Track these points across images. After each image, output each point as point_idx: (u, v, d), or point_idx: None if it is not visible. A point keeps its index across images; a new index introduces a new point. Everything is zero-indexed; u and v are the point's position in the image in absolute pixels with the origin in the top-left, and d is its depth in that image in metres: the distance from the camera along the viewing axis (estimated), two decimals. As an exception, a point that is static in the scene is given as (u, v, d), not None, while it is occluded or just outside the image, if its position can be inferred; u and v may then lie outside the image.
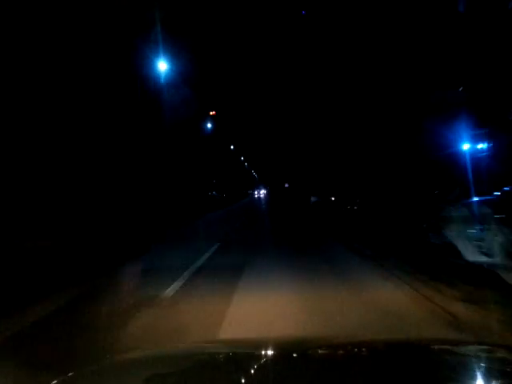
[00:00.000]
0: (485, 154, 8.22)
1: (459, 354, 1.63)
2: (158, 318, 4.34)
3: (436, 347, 1.74)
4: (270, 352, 1.73)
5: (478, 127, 9.85)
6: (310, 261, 7.55)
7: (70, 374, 1.41)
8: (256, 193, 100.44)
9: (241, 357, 1.68)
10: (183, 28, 23.60)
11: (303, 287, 5.45)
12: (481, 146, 8.77)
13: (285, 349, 1.75)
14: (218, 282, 5.95)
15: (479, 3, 11.02)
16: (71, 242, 10.22)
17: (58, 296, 5.22)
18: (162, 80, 21.20)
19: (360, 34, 18.64)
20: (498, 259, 4.99)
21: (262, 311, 4.48)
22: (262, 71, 62.32)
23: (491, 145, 8.17)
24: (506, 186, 5.63)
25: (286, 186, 59.03)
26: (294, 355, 1.67)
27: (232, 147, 63.25)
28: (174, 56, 21.55)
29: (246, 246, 9.97)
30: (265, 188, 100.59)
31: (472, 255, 5.51)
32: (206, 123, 39.53)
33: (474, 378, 1.38)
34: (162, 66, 20.59)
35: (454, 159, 9.50)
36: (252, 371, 1.47)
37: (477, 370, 1.44)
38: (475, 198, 6.16)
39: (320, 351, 1.72)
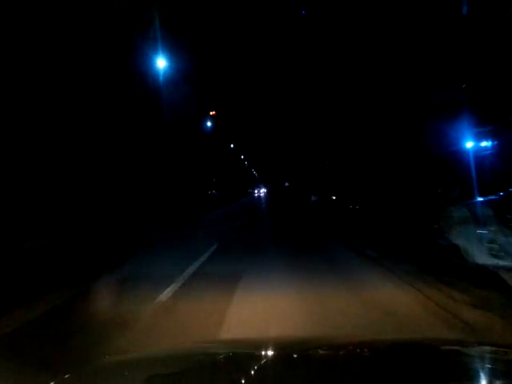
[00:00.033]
0: (489, 151, 8.12)
1: (460, 353, 1.63)
2: (129, 345, 3.50)
3: (436, 347, 1.73)
4: (270, 352, 1.72)
5: (481, 125, 9.75)
6: (310, 260, 7.54)
7: (67, 375, 1.39)
8: (256, 192, 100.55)
9: (241, 357, 1.68)
10: (183, 28, 23.62)
11: (303, 287, 5.42)
12: (484, 143, 8.66)
13: (285, 349, 1.75)
14: (218, 281, 5.91)
15: (481, 3, 10.99)
16: (72, 240, 10.22)
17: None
18: (161, 77, 21.11)
19: (361, 33, 18.54)
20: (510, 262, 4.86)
21: (262, 311, 4.44)
22: (261, 70, 62.28)
23: (496, 143, 8.06)
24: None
25: (286, 184, 58.97)
26: (294, 355, 1.67)
27: (232, 146, 63.35)
28: (174, 55, 21.56)
29: (246, 246, 10.01)
30: (265, 187, 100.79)
31: (482, 257, 5.35)
32: (206, 122, 39.50)
33: (474, 377, 1.38)
34: (161, 63, 20.55)
35: (457, 157, 9.38)
36: (252, 371, 1.47)
37: (477, 369, 1.44)
38: (480, 198, 6.02)
39: (320, 351, 1.72)
